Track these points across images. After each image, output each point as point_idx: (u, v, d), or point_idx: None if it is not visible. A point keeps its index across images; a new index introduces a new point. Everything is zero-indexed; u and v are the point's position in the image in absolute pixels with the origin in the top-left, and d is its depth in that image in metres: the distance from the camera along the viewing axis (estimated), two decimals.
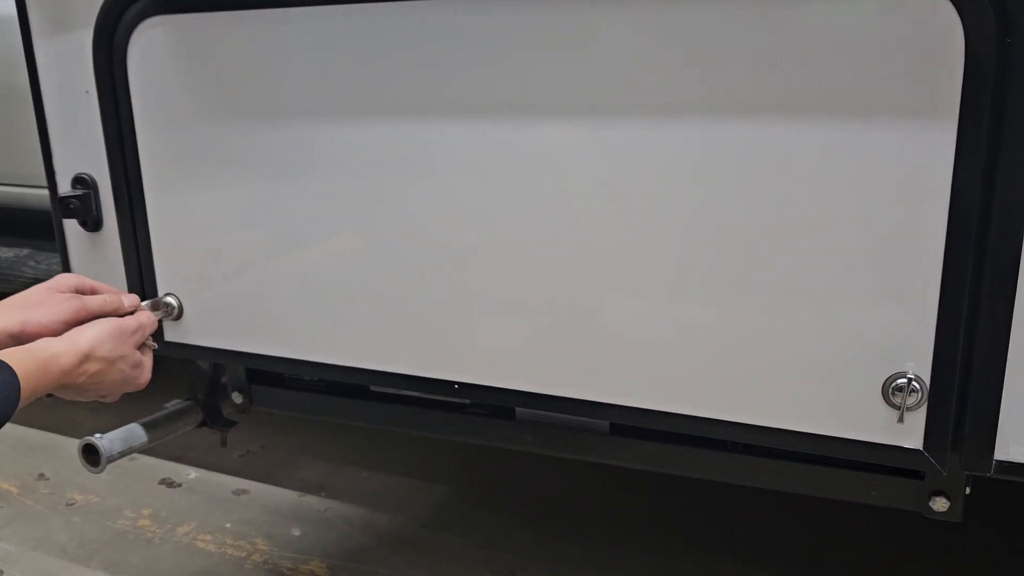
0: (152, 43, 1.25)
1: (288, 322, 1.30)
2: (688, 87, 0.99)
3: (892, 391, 0.98)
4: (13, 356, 0.99)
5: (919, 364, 0.96)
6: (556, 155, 1.08)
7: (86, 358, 1.08)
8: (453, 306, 1.18)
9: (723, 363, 1.05)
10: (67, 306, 1.13)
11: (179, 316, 1.37)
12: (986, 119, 0.87)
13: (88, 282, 1.20)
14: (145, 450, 1.52)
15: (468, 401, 1.34)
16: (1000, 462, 0.97)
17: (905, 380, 0.97)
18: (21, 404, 0.96)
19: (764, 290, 1.01)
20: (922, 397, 0.97)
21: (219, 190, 1.29)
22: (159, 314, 1.33)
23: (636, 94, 1.02)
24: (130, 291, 1.36)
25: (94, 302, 1.16)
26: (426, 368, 1.22)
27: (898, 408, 0.98)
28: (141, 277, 1.37)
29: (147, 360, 1.20)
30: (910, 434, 0.99)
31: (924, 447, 0.98)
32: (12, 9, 1.37)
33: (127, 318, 1.18)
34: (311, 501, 2.18)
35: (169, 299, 1.36)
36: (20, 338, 1.08)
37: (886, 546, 1.90)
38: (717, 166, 1.00)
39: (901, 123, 0.91)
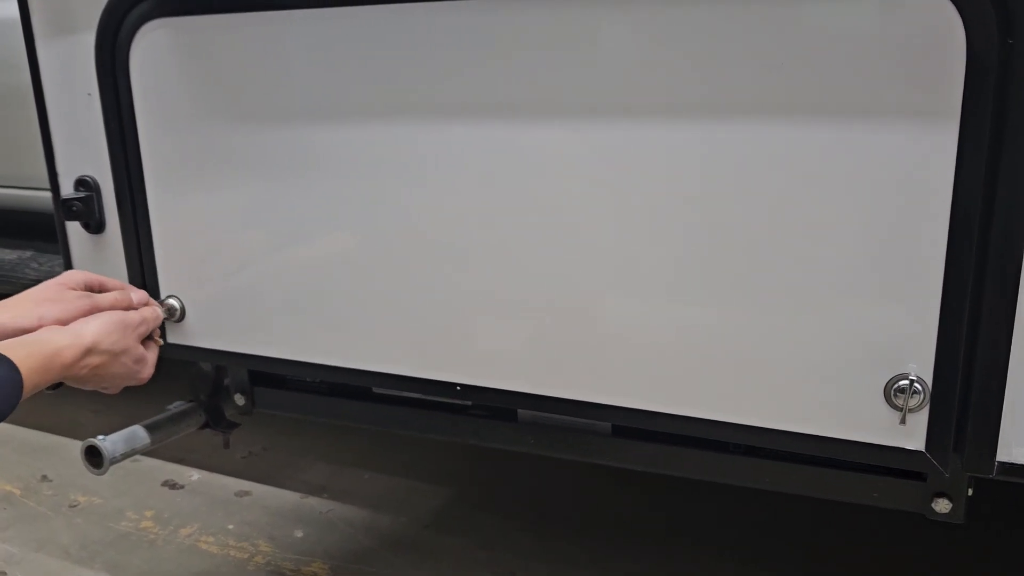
0: (154, 45, 1.26)
1: (290, 324, 1.30)
2: (688, 88, 0.99)
3: (894, 392, 0.97)
4: (16, 351, 0.99)
5: (921, 365, 0.96)
6: (556, 155, 1.08)
7: (89, 351, 1.08)
8: (454, 307, 1.18)
9: (725, 364, 1.05)
10: (80, 304, 1.13)
11: (181, 318, 1.37)
12: (988, 119, 0.87)
13: (96, 278, 1.22)
14: (148, 452, 1.52)
15: (470, 403, 1.34)
16: (1002, 463, 0.97)
17: (907, 381, 0.96)
18: (22, 399, 0.97)
19: (765, 291, 1.01)
20: (924, 398, 0.96)
21: (221, 192, 1.29)
22: (162, 313, 1.34)
23: (636, 95, 1.02)
24: None
25: (105, 301, 1.17)
26: (428, 370, 1.22)
27: (900, 409, 0.97)
28: (143, 279, 1.37)
29: (150, 355, 1.21)
30: (912, 435, 0.99)
31: (926, 448, 0.98)
32: (14, 11, 1.37)
33: (131, 312, 1.18)
34: (313, 503, 2.18)
35: (171, 301, 1.36)
36: None
37: (887, 546, 1.89)
38: (718, 167, 1.00)
39: (902, 123, 0.91)
